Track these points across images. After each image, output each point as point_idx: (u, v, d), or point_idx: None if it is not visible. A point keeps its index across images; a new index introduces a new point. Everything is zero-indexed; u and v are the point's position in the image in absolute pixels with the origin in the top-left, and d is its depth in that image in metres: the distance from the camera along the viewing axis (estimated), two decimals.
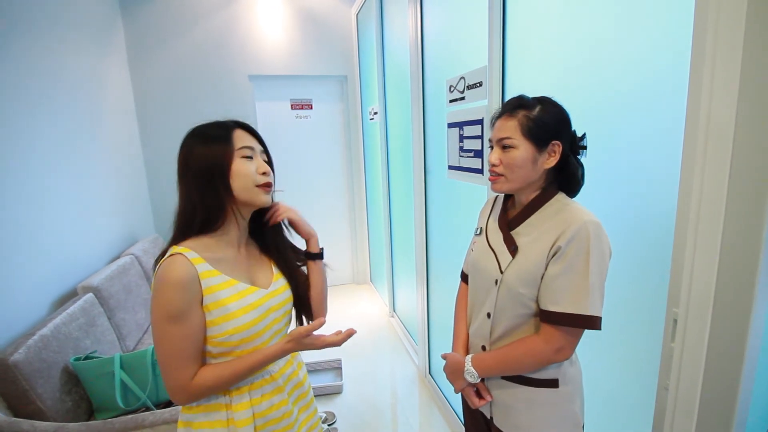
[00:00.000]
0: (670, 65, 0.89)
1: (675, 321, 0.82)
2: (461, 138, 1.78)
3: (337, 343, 0.95)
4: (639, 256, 1.00)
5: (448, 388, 2.30)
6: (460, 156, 1.81)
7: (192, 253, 0.86)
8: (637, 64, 0.96)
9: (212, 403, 0.93)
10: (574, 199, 0.98)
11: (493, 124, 1.00)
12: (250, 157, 0.92)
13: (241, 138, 0.92)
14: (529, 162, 0.93)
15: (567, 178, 0.97)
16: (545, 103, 0.94)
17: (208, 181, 0.88)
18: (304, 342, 0.93)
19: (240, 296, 0.90)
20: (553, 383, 0.97)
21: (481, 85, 1.60)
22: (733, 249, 0.72)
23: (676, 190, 0.81)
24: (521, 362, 0.95)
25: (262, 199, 0.94)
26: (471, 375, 1.01)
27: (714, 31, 0.70)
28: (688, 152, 0.77)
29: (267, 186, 0.94)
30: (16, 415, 1.44)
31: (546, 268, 0.91)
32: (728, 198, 0.71)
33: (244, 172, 0.90)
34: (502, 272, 0.97)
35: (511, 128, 0.93)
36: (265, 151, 0.99)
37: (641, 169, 0.98)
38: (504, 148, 0.95)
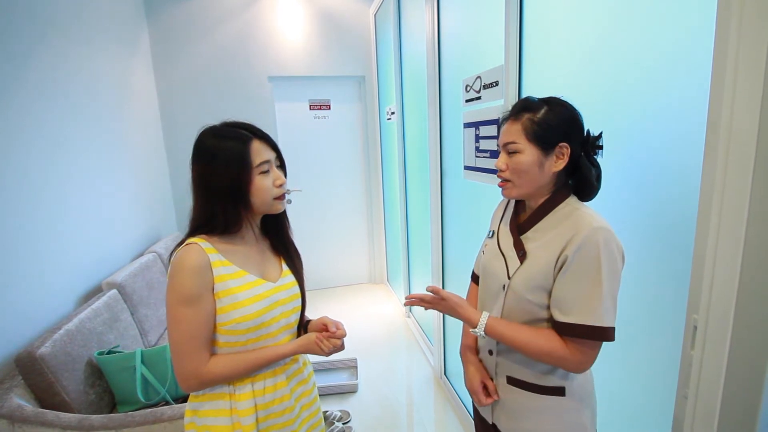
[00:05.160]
0: (691, 65, 0.86)
1: (695, 328, 0.79)
2: (477, 138, 1.76)
3: (337, 345, 0.99)
4: (658, 260, 0.97)
5: (463, 389, 2.29)
6: (476, 156, 1.79)
7: (206, 243, 0.92)
8: (658, 64, 0.93)
9: (217, 392, 0.96)
10: (589, 203, 0.95)
11: (500, 128, 0.98)
12: (267, 170, 0.95)
13: (258, 152, 0.93)
14: (535, 166, 0.90)
15: (580, 181, 0.94)
16: (552, 103, 0.91)
17: (229, 196, 0.92)
18: (313, 340, 0.99)
19: (248, 287, 0.95)
20: (559, 391, 0.94)
21: (497, 84, 1.58)
22: (755, 253, 0.69)
23: (697, 191, 0.78)
24: (535, 353, 0.89)
25: (279, 207, 1.00)
26: (480, 327, 0.94)
27: (737, 29, 0.67)
28: (709, 153, 0.74)
29: (283, 196, 0.99)
30: (42, 407, 1.50)
31: (554, 277, 0.88)
32: (751, 200, 0.68)
33: (263, 189, 0.94)
34: (509, 277, 0.95)
35: (515, 132, 0.91)
36: (279, 155, 1.00)
37: (661, 171, 0.95)
38: (510, 152, 0.93)
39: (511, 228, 1.01)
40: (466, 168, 1.92)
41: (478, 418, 1.14)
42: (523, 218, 1.00)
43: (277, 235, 1.08)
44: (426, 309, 1.04)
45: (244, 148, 0.92)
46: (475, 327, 0.94)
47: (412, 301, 1.03)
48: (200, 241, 0.92)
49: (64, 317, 1.82)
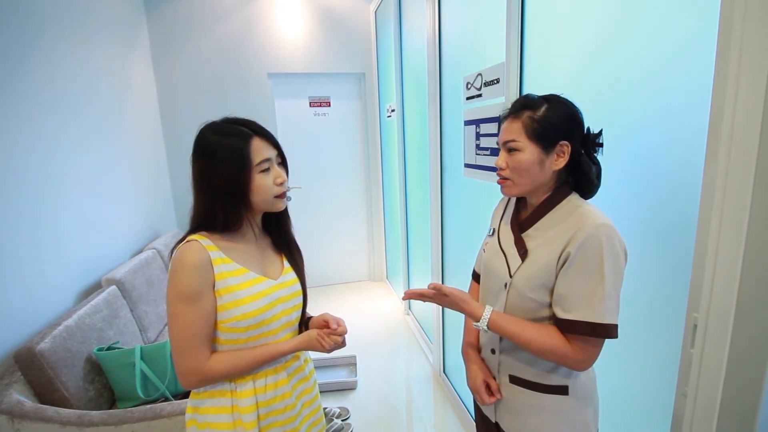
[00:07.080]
0: (694, 64, 0.86)
1: (695, 326, 0.79)
2: (477, 136, 1.76)
3: (338, 341, 0.99)
4: (658, 258, 0.97)
5: (462, 387, 2.29)
6: (477, 154, 1.79)
7: (206, 241, 0.92)
8: (660, 63, 0.93)
9: (218, 389, 0.96)
10: (589, 200, 0.95)
11: (500, 126, 0.97)
12: (268, 168, 0.94)
13: (258, 150, 0.92)
14: (535, 164, 0.90)
15: (580, 178, 0.93)
16: (552, 101, 0.91)
17: (228, 195, 0.91)
18: (314, 337, 0.98)
19: (249, 284, 0.94)
20: (562, 390, 0.94)
21: (498, 81, 1.58)
22: (756, 252, 0.69)
23: (698, 189, 0.78)
24: (537, 350, 0.89)
25: (279, 206, 0.99)
26: (483, 321, 0.93)
27: (740, 29, 0.67)
28: (711, 152, 0.74)
29: (284, 194, 0.98)
30: (42, 402, 1.50)
31: (557, 274, 0.88)
32: (753, 199, 0.68)
33: (263, 187, 0.93)
34: (511, 276, 0.95)
35: (515, 130, 0.91)
36: (280, 153, 0.99)
37: (661, 170, 0.95)
38: (510, 150, 0.92)
39: (512, 226, 1.01)
40: (467, 166, 1.92)
41: (480, 417, 1.14)
42: (524, 216, 1.00)
43: (278, 233, 1.08)
44: (425, 302, 1.03)
45: (243, 145, 0.91)
46: (479, 321, 0.94)
47: (412, 295, 1.01)
48: (201, 238, 0.91)
49: (64, 313, 1.82)
